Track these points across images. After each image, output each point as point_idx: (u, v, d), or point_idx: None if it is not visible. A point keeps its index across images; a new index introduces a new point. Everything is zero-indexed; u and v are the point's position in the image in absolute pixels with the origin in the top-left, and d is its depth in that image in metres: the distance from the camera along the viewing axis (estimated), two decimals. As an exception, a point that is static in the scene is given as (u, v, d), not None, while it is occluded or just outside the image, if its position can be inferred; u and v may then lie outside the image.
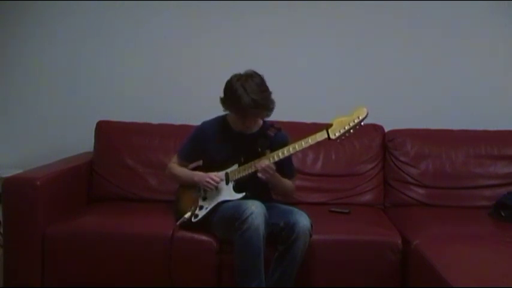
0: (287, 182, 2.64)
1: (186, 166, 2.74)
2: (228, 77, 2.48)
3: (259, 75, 2.46)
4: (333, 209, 2.88)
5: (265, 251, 2.34)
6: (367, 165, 3.12)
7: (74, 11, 3.36)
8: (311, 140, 2.41)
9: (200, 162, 2.75)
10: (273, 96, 2.48)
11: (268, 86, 2.46)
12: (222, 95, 2.49)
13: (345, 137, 2.40)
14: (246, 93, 2.37)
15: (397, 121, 3.21)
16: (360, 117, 2.38)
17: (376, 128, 3.18)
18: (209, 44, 3.36)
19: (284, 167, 2.59)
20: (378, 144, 3.16)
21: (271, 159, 2.45)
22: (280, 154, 2.45)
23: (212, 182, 2.53)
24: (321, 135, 2.41)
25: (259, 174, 2.44)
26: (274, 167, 2.45)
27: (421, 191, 3.07)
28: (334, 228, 2.64)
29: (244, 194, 2.50)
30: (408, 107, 3.36)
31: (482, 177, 3.06)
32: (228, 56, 3.30)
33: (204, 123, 2.70)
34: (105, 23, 3.37)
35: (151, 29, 3.37)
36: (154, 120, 3.23)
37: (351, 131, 2.39)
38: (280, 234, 2.37)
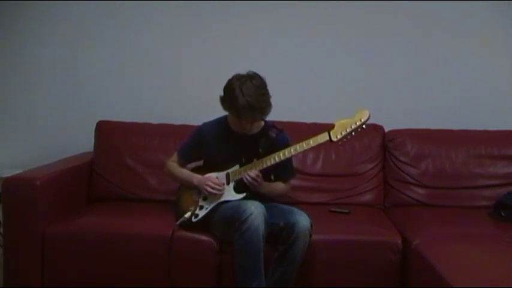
0: (278, 187, 2.65)
1: (185, 165, 2.74)
2: (228, 77, 2.48)
3: (261, 78, 2.44)
4: (333, 209, 2.88)
5: (265, 251, 2.34)
6: (367, 165, 3.12)
7: (73, 11, 3.36)
8: (312, 142, 2.41)
9: (201, 162, 2.76)
10: (273, 97, 2.47)
11: (268, 90, 2.45)
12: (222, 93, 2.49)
13: (347, 139, 2.40)
14: (242, 95, 2.36)
15: (397, 121, 3.21)
16: (362, 120, 2.38)
17: (376, 128, 3.17)
18: (209, 44, 3.36)
19: (284, 167, 2.59)
20: (378, 144, 3.16)
21: (272, 160, 2.45)
22: (281, 155, 2.45)
23: (213, 190, 2.51)
24: (322, 137, 2.41)
25: (247, 183, 2.45)
26: (261, 176, 2.46)
27: (421, 191, 3.07)
28: (334, 228, 2.64)
29: (244, 194, 2.50)
30: (408, 107, 3.36)
31: (482, 177, 3.06)
32: (229, 56, 3.30)
33: (205, 124, 2.69)
34: (105, 23, 3.37)
35: (152, 29, 3.37)
36: (154, 120, 3.23)
37: (353, 133, 2.39)
38: (280, 234, 2.37)
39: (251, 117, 2.44)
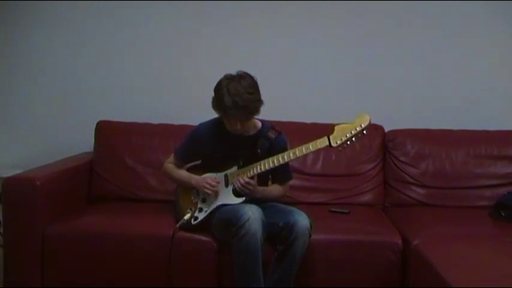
0: (274, 191, 2.63)
1: (182, 166, 2.73)
2: (228, 77, 2.47)
3: (251, 77, 2.42)
4: (333, 209, 2.88)
5: (265, 251, 2.33)
6: (367, 165, 3.12)
7: (73, 11, 3.35)
8: (312, 147, 2.37)
9: (198, 161, 2.75)
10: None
11: (258, 89, 2.42)
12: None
13: (347, 145, 2.36)
14: (228, 94, 2.34)
15: (397, 121, 3.21)
16: (363, 126, 2.33)
17: (376, 128, 3.17)
18: (209, 44, 3.36)
19: (281, 170, 2.56)
20: (378, 144, 3.15)
21: (271, 163, 2.43)
22: (280, 159, 2.42)
23: (210, 187, 2.51)
24: (322, 142, 2.36)
25: (237, 189, 2.44)
26: (252, 182, 2.44)
27: (421, 191, 3.07)
28: (334, 228, 2.64)
29: (244, 198, 2.47)
30: (408, 107, 3.35)
31: (482, 177, 3.06)
32: (229, 56, 3.30)
33: (201, 125, 2.67)
34: (105, 23, 3.37)
35: (151, 29, 3.37)
36: (154, 120, 3.23)
37: (353, 139, 2.34)
38: (279, 234, 2.37)
39: (237, 116, 2.39)
